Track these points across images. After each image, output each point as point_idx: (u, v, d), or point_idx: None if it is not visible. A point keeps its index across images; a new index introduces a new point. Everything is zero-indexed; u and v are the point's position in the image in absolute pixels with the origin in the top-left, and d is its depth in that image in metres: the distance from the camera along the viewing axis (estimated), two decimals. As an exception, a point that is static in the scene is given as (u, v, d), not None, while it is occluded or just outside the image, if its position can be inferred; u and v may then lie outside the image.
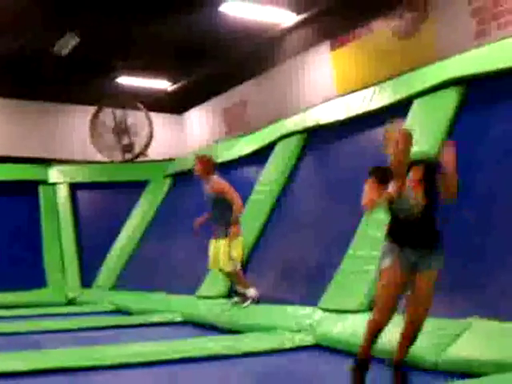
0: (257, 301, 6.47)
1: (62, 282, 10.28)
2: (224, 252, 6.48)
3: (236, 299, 6.61)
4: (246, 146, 9.42)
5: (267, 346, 4.89)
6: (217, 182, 6.66)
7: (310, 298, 5.77)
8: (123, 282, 9.93)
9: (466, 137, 5.89)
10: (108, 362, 4.43)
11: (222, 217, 6.53)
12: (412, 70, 6.99)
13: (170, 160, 11.79)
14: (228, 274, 6.67)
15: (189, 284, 7.82)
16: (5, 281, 9.81)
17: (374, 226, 5.78)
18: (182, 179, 10.93)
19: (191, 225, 9.42)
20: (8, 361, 4.40)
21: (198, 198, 9.56)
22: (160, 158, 11.99)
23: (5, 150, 11.89)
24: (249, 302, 6.46)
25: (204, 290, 7.54)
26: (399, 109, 6.79)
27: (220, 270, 6.70)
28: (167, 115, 13.37)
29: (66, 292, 10.14)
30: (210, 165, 6.74)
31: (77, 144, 12.44)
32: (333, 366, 4.38)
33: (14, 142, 12.11)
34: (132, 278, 9.65)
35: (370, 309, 5.15)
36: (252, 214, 7.97)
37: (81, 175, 11.72)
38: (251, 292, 6.51)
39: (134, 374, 4.28)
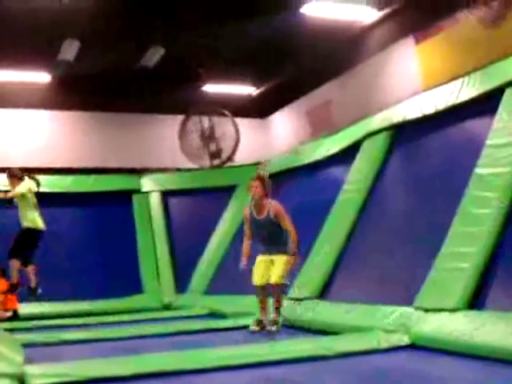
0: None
1: (157, 288, 10.56)
2: (283, 265, 6.35)
3: (270, 327, 6.39)
4: (331, 145, 9.35)
5: (363, 347, 4.84)
6: (277, 205, 6.47)
7: (405, 297, 5.65)
8: (216, 286, 10.09)
9: None
10: (205, 365, 4.49)
11: (277, 241, 6.44)
12: (501, 58, 6.74)
13: (257, 164, 11.90)
14: (278, 290, 6.42)
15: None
16: (104, 289, 10.20)
17: (468, 222, 5.62)
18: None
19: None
20: (111, 365, 4.55)
21: (284, 200, 9.61)
22: (247, 162, 12.12)
23: (100, 162, 12.40)
24: (277, 326, 6.39)
25: (296, 292, 7.54)
26: (490, 99, 6.59)
27: (263, 286, 6.46)
28: (252, 119, 13.53)
29: (162, 297, 10.41)
30: (269, 185, 6.55)
31: (167, 153, 12.79)
32: (430, 366, 4.28)
33: (108, 154, 12.61)
34: (224, 281, 9.78)
35: (467, 307, 5.02)
36: (341, 214, 7.92)
37: (172, 183, 12.01)
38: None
39: (230, 376, 4.33)
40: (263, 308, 6.60)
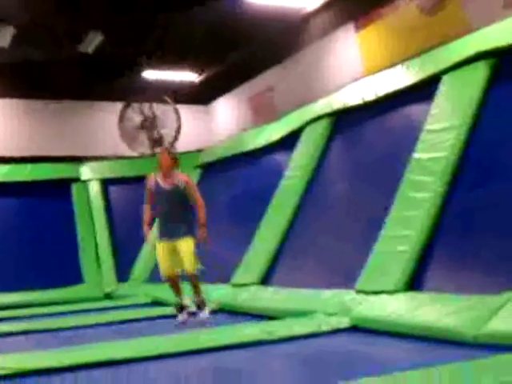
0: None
1: (98, 278, 10.41)
2: (191, 249, 5.91)
3: (190, 310, 6.15)
4: (273, 132, 9.37)
5: (305, 330, 4.87)
6: (185, 176, 6.13)
7: (345, 280, 5.73)
8: (157, 274, 9.98)
9: (498, 111, 5.78)
10: (147, 353, 4.44)
11: (184, 215, 5.99)
12: (439, 45, 6.86)
13: (199, 151, 11.82)
14: (193, 278, 6.05)
15: (223, 273, 7.83)
16: (43, 278, 9.98)
17: (406, 206, 5.72)
18: (212, 169, 10.95)
19: (223, 214, 9.49)
20: (49, 357, 4.44)
21: (228, 186, 9.59)
22: (189, 149, 12.02)
23: (37, 151, 12.05)
24: (209, 309, 6.13)
25: (238, 277, 7.55)
26: (428, 86, 6.70)
27: (174, 276, 6.10)
28: (194, 106, 13.40)
29: (103, 287, 10.26)
30: (177, 159, 6.23)
31: (107, 141, 12.55)
32: (371, 347, 4.35)
33: (46, 142, 12.27)
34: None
35: (405, 289, 5.11)
36: (283, 200, 7.95)
37: (112, 171, 11.83)
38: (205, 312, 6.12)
39: (177, 362, 4.29)
40: (178, 291, 6.22)
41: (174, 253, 5.98)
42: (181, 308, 6.23)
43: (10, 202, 11.08)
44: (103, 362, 4.24)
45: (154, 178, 6.04)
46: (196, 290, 6.15)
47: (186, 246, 5.89)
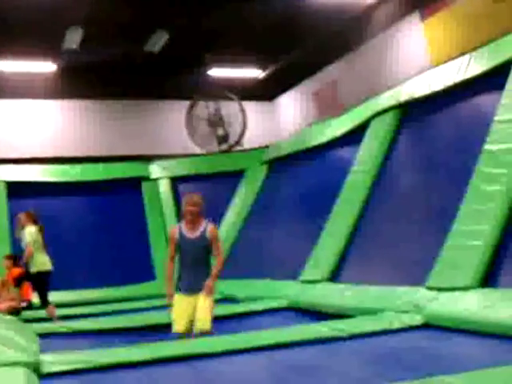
0: None
1: (170, 274, 10.58)
2: (210, 307, 5.25)
3: None
4: (339, 127, 9.30)
5: (376, 328, 4.83)
6: (213, 226, 5.50)
7: (417, 277, 5.64)
8: (228, 270, 10.08)
9: None
10: (222, 349, 4.51)
11: (206, 268, 5.43)
12: (508, 33, 6.64)
13: (265, 147, 11.85)
14: (203, 333, 5.25)
15: (292, 269, 7.85)
16: (116, 277, 10.25)
17: (479, 199, 5.58)
18: (278, 165, 10.97)
19: (290, 209, 9.50)
20: (125, 352, 4.58)
21: (294, 182, 9.59)
22: (255, 146, 12.08)
23: (108, 150, 12.40)
24: None
25: (307, 274, 7.55)
26: (498, 74, 6.51)
27: (187, 332, 5.33)
28: (259, 103, 13.46)
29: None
30: (203, 207, 5.52)
31: (175, 139, 12.77)
32: (444, 345, 4.27)
33: (116, 142, 12.59)
34: (236, 266, 9.80)
35: (479, 285, 5.00)
36: (351, 195, 7.89)
37: (180, 169, 12.01)
38: None
39: (247, 359, 4.35)
40: None
41: (192, 308, 5.37)
42: None
43: (84, 200, 11.42)
44: (173, 357, 4.34)
45: (178, 228, 5.47)
46: None
47: (205, 302, 5.30)
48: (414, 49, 9.11)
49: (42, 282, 7.74)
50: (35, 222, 7.92)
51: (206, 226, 5.36)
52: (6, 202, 10.67)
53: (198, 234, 5.34)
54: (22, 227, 7.93)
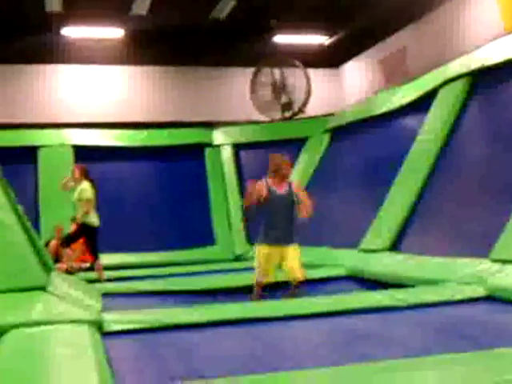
0: None
1: (229, 240, 10.71)
2: (298, 257, 5.58)
3: None
4: (406, 95, 9.06)
5: (437, 298, 4.75)
6: (296, 182, 6.00)
7: (481, 249, 5.50)
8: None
9: None
10: (279, 314, 4.53)
11: (292, 222, 5.67)
12: None
13: (329, 115, 11.70)
14: (297, 285, 5.61)
15: (352, 238, 7.78)
16: (177, 240, 10.42)
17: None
18: (341, 133, 10.81)
19: (352, 178, 9.39)
20: (184, 313, 4.66)
21: (357, 151, 9.46)
22: (319, 113, 11.94)
23: (173, 116, 12.51)
24: None
25: (367, 243, 7.47)
26: None
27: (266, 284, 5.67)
28: (324, 70, 13.28)
29: (234, 249, 10.55)
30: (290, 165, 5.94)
31: (239, 106, 12.76)
32: (506, 317, 4.16)
33: (180, 108, 12.69)
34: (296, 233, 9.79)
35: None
36: (416, 164, 7.72)
37: (243, 136, 12.02)
38: None
39: (308, 324, 4.35)
40: (259, 297, 5.71)
41: (279, 258, 5.68)
42: None
43: (148, 165, 11.61)
44: (233, 320, 4.39)
45: (265, 183, 5.71)
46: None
47: (295, 253, 5.64)
48: (486, 15, 8.75)
49: (95, 237, 7.92)
50: (88, 177, 8.05)
51: (290, 183, 5.74)
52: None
53: (286, 189, 5.64)
54: (75, 181, 8.06)
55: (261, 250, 5.67)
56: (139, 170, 11.48)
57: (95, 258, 7.98)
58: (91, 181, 8.03)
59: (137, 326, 4.26)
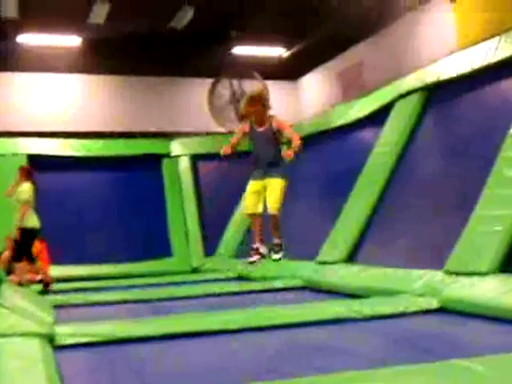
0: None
1: (186, 252, 10.64)
2: (279, 190, 5.82)
3: (275, 256, 6.03)
4: (363, 108, 9.18)
5: (392, 310, 4.79)
6: (278, 116, 5.99)
7: (434, 260, 5.57)
8: (244, 250, 10.09)
9: None
10: (233, 326, 4.50)
11: (277, 157, 5.93)
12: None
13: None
14: (273, 218, 5.92)
15: (310, 249, 7.80)
16: (134, 251, 10.32)
17: (502, 184, 5.48)
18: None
19: (309, 190, 9.44)
20: (139, 326, 4.59)
21: (315, 163, 9.51)
22: (277, 125, 11.97)
23: (130, 126, 12.40)
24: (282, 253, 6.00)
25: (324, 254, 7.51)
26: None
27: (256, 214, 5.98)
28: (282, 82, 13.35)
29: (191, 261, 10.49)
30: (267, 97, 6.11)
31: (197, 116, 12.71)
32: (460, 329, 4.22)
33: (138, 118, 12.59)
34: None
35: (498, 270, 4.91)
36: (372, 177, 7.81)
37: (201, 147, 11.99)
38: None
39: (259, 337, 4.33)
40: (258, 232, 6.15)
41: (262, 192, 5.98)
42: (256, 250, 6.23)
43: (104, 175, 11.47)
44: (189, 332, 4.34)
45: (249, 123, 6.04)
46: (275, 232, 6.14)
47: (275, 184, 5.88)
48: (441, 31, 8.93)
49: (31, 239, 7.73)
50: (30, 179, 7.85)
51: (271, 120, 5.90)
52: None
53: (266, 127, 5.87)
54: (19, 184, 7.86)
55: (248, 186, 6.02)
56: (95, 180, 11.33)
57: (30, 261, 7.75)
58: (33, 182, 7.83)
59: (90, 339, 4.17)
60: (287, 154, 5.68)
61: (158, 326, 4.52)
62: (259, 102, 5.98)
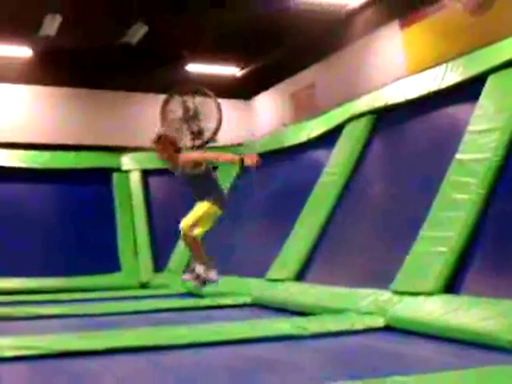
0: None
1: (135, 267, 10.52)
2: (198, 212, 6.17)
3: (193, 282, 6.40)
4: (314, 129, 9.32)
5: (337, 327, 4.84)
6: (184, 155, 6.23)
7: (381, 280, 5.67)
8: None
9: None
10: (180, 342, 4.47)
11: (201, 189, 6.24)
12: (484, 45, 6.72)
13: (239, 145, 11.83)
14: (188, 240, 6.30)
15: (260, 268, 7.83)
16: (81, 266, 10.14)
17: (447, 207, 5.63)
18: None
19: (260, 209, 9.49)
20: (82, 340, 4.52)
21: (266, 182, 9.59)
22: (229, 143, 12.04)
23: (80, 139, 12.26)
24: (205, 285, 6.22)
25: (273, 273, 7.55)
26: (472, 85, 6.59)
27: (189, 236, 6.33)
28: (236, 101, 13.44)
29: (139, 276, 10.37)
30: (171, 142, 6.38)
31: (148, 132, 12.61)
32: (404, 348, 4.30)
33: (89, 131, 12.47)
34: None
35: (443, 291, 5.03)
36: (321, 197, 7.91)
37: (152, 162, 11.86)
38: (211, 274, 6.33)
39: (205, 353, 4.32)
40: (195, 254, 6.52)
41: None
42: (191, 270, 6.35)
43: (52, 188, 11.27)
44: (133, 347, 4.29)
45: (169, 167, 6.53)
46: (191, 253, 6.26)
47: (199, 206, 6.04)
48: (391, 56, 9.18)
49: None
50: None
51: (178, 160, 6.32)
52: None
53: (180, 167, 6.27)
54: None
55: None
56: (42, 192, 11.12)
57: None
58: None
59: (31, 352, 4.07)
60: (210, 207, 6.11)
61: (102, 341, 4.44)
62: (163, 143, 6.07)
